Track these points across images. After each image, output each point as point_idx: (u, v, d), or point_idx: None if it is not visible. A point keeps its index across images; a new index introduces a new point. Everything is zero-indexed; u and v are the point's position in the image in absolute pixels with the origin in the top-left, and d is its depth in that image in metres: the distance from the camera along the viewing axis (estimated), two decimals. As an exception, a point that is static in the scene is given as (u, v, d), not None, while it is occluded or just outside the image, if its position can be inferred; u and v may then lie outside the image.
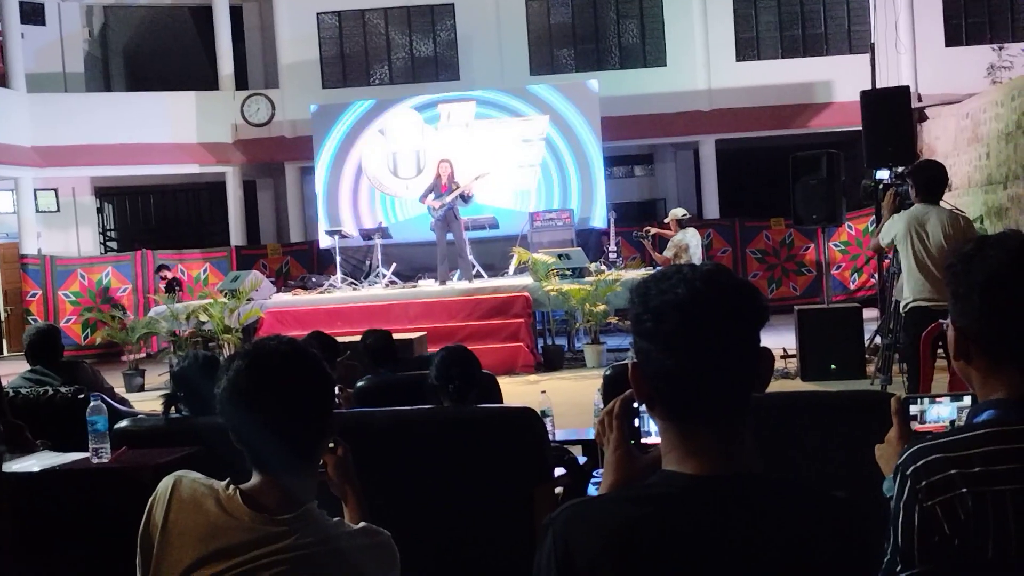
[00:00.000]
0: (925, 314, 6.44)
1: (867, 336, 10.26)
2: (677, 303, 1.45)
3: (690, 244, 12.02)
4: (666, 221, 12.72)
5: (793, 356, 10.36)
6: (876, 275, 11.65)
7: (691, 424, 1.48)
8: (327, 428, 2.03)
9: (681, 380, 1.46)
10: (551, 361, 12.29)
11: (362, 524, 2.05)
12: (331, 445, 2.20)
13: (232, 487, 1.94)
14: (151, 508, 1.98)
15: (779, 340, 10.93)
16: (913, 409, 2.00)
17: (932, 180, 6.63)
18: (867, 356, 10.05)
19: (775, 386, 1.71)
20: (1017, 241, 1.72)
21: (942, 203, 6.72)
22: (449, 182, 13.49)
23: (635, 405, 1.80)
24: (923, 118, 16.68)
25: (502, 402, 5.11)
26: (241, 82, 19.74)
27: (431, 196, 13.58)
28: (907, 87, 11.12)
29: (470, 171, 14.12)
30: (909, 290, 6.61)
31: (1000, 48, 16.84)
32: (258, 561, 1.88)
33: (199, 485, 1.97)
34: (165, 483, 1.99)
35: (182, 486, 1.97)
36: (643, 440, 1.88)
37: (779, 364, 10.25)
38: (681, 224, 12.30)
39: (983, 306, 1.70)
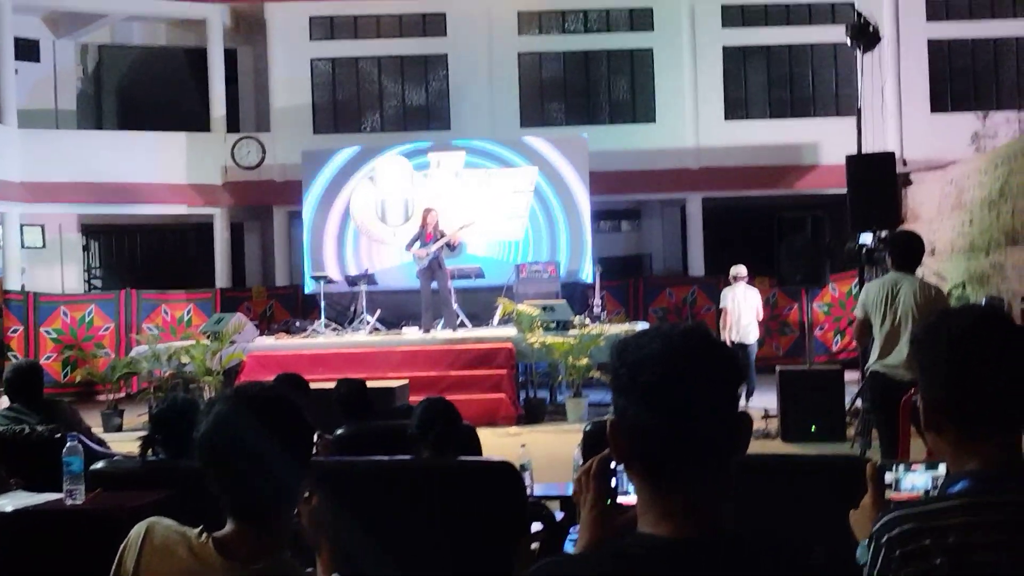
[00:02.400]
0: (878, 380, 6.49)
1: (848, 399, 10.27)
2: (653, 357, 1.46)
3: (725, 300, 12.29)
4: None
5: (774, 416, 10.36)
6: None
7: (667, 483, 1.49)
8: (304, 476, 2.02)
9: (656, 435, 1.47)
10: (532, 413, 12.24)
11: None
12: (305, 495, 2.19)
13: (205, 535, 1.93)
14: (123, 554, 1.96)
15: (760, 400, 10.93)
16: (888, 477, 2.01)
17: (907, 250, 6.71)
18: (848, 419, 10.05)
19: (755, 446, 1.72)
20: (979, 309, 1.75)
21: (919, 271, 6.78)
22: (434, 231, 13.53)
23: (612, 465, 1.80)
24: (908, 182, 16.83)
25: (481, 454, 5.08)
26: (232, 124, 19.78)
27: (416, 245, 13.60)
28: (892, 153, 11.23)
29: (458, 220, 14.16)
30: (874, 354, 6.65)
31: (985, 116, 17.04)
32: (228, 610, 1.86)
33: (171, 532, 1.96)
34: (137, 529, 1.98)
35: (154, 532, 1.96)
36: (620, 500, 1.88)
37: (760, 424, 10.24)
38: (733, 280, 12.48)
39: (950, 375, 1.72)
